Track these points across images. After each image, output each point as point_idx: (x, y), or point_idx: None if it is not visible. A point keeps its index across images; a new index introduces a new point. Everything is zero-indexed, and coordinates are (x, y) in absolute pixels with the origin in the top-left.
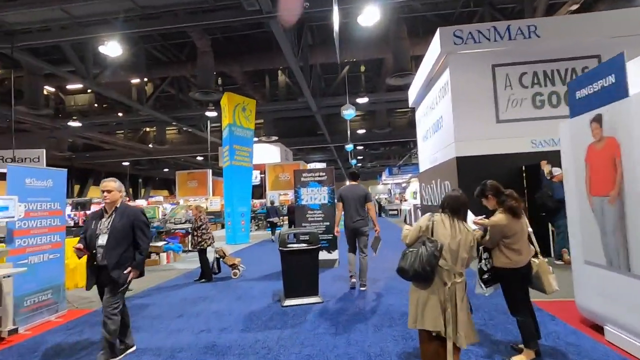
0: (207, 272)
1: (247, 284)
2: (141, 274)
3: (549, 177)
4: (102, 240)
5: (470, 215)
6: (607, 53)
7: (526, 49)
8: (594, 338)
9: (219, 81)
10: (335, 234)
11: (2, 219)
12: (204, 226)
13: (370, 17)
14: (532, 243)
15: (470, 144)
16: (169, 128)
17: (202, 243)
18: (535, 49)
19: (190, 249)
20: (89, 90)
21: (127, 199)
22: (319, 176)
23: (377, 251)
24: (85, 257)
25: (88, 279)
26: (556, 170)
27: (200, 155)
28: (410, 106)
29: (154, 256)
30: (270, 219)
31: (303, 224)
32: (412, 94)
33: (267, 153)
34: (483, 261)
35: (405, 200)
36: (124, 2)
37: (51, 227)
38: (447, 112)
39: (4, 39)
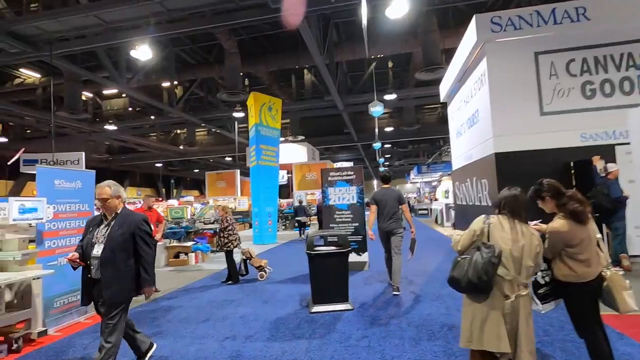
0: (233, 274)
1: (274, 287)
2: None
3: (603, 174)
4: (97, 250)
5: None
6: None
7: (574, 34)
8: None
9: (246, 82)
10: (370, 237)
11: (31, 220)
12: (230, 227)
13: (398, 10)
14: (602, 251)
15: (511, 139)
16: (198, 130)
17: (229, 244)
18: (584, 33)
19: (217, 249)
20: (123, 95)
21: (160, 199)
22: (347, 175)
23: (413, 253)
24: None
25: (82, 294)
26: (611, 166)
27: (229, 156)
28: (441, 101)
29: (182, 256)
30: (299, 218)
31: (331, 225)
32: (444, 88)
33: (294, 153)
34: (540, 272)
35: (436, 200)
36: (153, 6)
37: (80, 228)
38: (484, 105)
39: (44, 47)
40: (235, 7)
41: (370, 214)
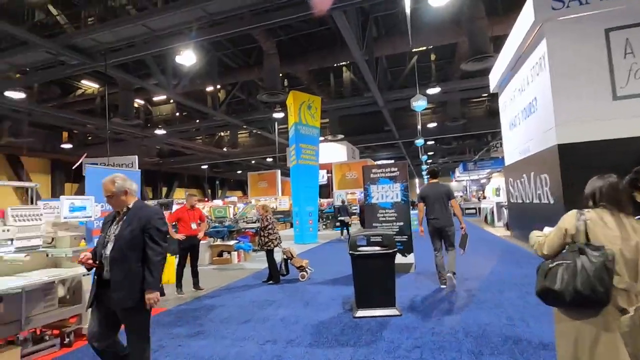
0: (274, 274)
1: (315, 288)
2: (161, 294)
3: None
4: (108, 249)
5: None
6: None
7: None
8: None
9: (285, 83)
10: (420, 234)
11: (80, 218)
12: (270, 226)
13: None
14: None
15: (577, 128)
16: (240, 132)
17: (269, 244)
18: None
19: (258, 248)
20: (171, 101)
21: (206, 199)
22: (391, 172)
23: (465, 249)
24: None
25: (90, 297)
26: None
27: (269, 157)
28: (491, 92)
29: (225, 255)
30: (342, 218)
31: (374, 224)
32: (494, 77)
33: (334, 152)
34: None
35: (484, 198)
36: (195, 11)
37: None
38: (544, 91)
39: (99, 58)
40: (273, 7)
41: (419, 212)
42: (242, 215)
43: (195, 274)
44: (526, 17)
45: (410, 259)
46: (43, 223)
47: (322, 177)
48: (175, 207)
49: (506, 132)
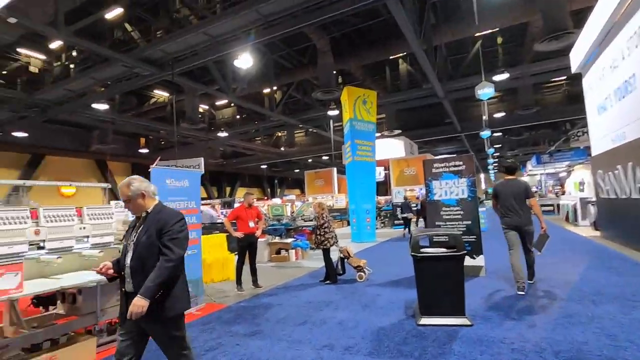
0: (331, 274)
1: (374, 290)
2: (185, 308)
3: None
4: (128, 258)
5: None
6: None
7: None
8: None
9: (339, 79)
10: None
11: None
12: (326, 225)
13: None
14: None
15: None
16: (297, 131)
17: (325, 242)
18: None
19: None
20: (232, 104)
21: (266, 198)
22: (455, 166)
23: (542, 249)
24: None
25: (120, 312)
26: None
27: (325, 155)
28: (573, 72)
29: (283, 252)
30: (404, 215)
31: (437, 223)
32: (577, 56)
33: (391, 148)
34: None
35: (564, 194)
36: (250, 14)
37: (188, 224)
38: None
39: (167, 67)
40: (325, 2)
41: (494, 209)
42: (299, 213)
43: (253, 271)
44: None
45: (479, 261)
46: (114, 221)
47: (380, 174)
48: (235, 206)
49: (593, 117)
